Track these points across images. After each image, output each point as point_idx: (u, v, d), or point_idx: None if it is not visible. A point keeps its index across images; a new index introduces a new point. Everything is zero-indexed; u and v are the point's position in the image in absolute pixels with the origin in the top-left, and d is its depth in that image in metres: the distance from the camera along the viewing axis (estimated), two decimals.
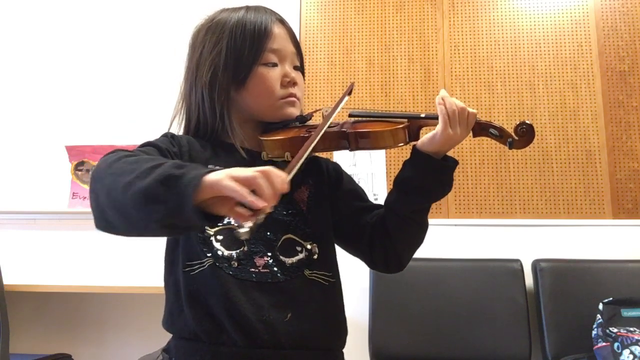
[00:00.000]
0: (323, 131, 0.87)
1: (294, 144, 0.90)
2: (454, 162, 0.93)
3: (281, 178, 0.67)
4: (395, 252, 0.97)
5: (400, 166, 0.95)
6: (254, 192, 0.64)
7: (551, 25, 2.70)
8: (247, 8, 0.97)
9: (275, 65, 0.95)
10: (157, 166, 0.70)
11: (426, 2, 2.79)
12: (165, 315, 0.91)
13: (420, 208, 0.95)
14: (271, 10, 0.99)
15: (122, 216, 0.71)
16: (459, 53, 2.72)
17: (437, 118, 0.89)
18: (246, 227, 0.64)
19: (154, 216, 0.68)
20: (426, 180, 0.91)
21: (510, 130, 0.91)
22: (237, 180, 0.64)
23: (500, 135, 0.91)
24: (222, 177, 0.65)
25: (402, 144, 0.92)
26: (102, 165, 0.76)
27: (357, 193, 1.05)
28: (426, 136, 0.90)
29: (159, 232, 0.73)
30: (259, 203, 0.63)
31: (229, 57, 0.93)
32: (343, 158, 2.43)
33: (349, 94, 0.94)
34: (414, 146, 0.92)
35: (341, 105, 0.95)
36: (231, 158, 0.94)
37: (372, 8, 2.81)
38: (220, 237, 0.88)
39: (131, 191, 0.68)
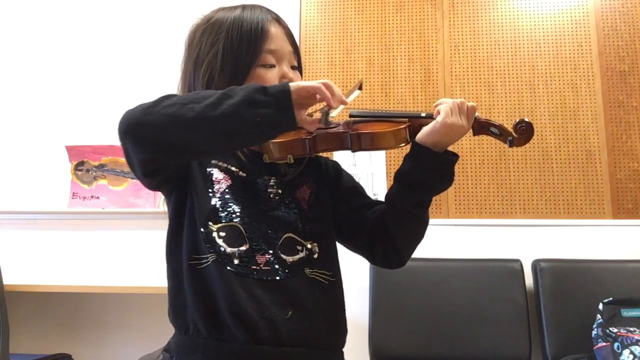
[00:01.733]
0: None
1: (295, 146, 0.90)
2: (455, 156, 0.93)
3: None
4: (396, 247, 0.97)
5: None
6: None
7: (551, 25, 2.70)
8: (244, 7, 0.97)
9: (272, 66, 0.94)
10: (232, 89, 0.79)
11: (426, 2, 2.79)
12: (169, 308, 0.91)
13: (421, 202, 0.95)
14: (267, 9, 0.98)
15: (206, 133, 0.78)
16: (459, 53, 2.72)
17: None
18: (332, 112, 0.82)
19: (257, 119, 0.76)
20: (426, 174, 0.92)
21: (510, 128, 0.92)
22: (318, 82, 0.79)
23: (500, 133, 0.93)
24: (303, 82, 0.80)
25: (403, 144, 0.92)
26: (139, 109, 0.80)
27: (357, 190, 1.05)
28: (425, 128, 0.91)
29: (250, 140, 0.83)
30: (333, 99, 0.79)
31: (226, 60, 0.92)
32: (343, 158, 2.43)
33: (360, 88, 0.95)
34: (414, 140, 0.93)
35: (353, 97, 0.95)
36: (232, 159, 0.95)
37: (372, 8, 2.81)
38: (222, 234, 0.88)
39: (224, 107, 0.76)
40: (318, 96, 0.78)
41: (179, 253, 0.90)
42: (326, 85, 0.78)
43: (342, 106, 0.83)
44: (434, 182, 0.93)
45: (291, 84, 0.78)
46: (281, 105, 0.76)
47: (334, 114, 0.84)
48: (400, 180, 0.94)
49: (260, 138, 0.83)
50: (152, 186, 0.92)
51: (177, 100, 0.79)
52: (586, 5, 2.70)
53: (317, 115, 0.83)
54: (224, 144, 0.81)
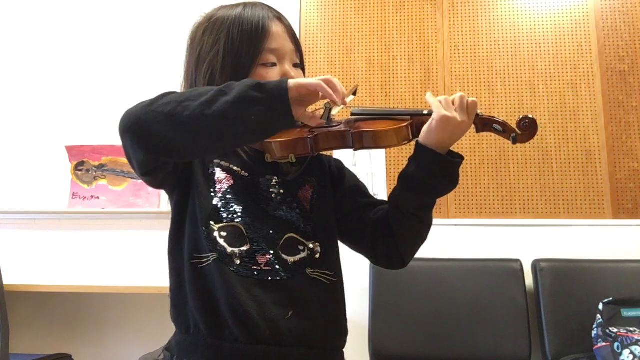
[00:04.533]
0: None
1: (297, 145, 0.90)
2: (459, 158, 0.92)
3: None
4: (398, 249, 0.96)
5: (401, 165, 0.95)
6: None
7: (551, 25, 2.70)
8: (245, 5, 0.96)
9: (274, 65, 0.93)
10: (228, 85, 0.78)
11: (426, 2, 2.79)
12: (171, 307, 0.91)
13: (425, 204, 0.95)
14: (268, 7, 0.97)
15: (201, 132, 0.77)
16: (459, 53, 2.72)
17: None
18: (335, 110, 0.81)
19: (252, 117, 0.75)
20: (430, 176, 0.90)
21: (513, 125, 0.91)
22: (318, 78, 0.77)
23: (504, 130, 0.91)
24: (304, 79, 0.78)
25: (406, 142, 0.91)
26: (138, 107, 0.79)
27: (360, 190, 1.05)
28: (425, 126, 0.89)
29: (246, 138, 0.82)
30: (334, 95, 0.77)
31: (227, 59, 0.92)
32: (343, 158, 2.42)
33: (354, 94, 0.94)
34: (417, 141, 0.91)
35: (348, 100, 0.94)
36: (235, 159, 0.94)
37: (372, 8, 2.81)
38: (224, 234, 0.88)
39: (218, 104, 0.75)
40: (320, 93, 0.77)
41: (181, 252, 0.90)
42: (327, 82, 0.78)
43: (342, 105, 0.82)
44: (438, 185, 0.92)
45: (290, 81, 0.77)
46: (277, 102, 0.76)
47: (336, 111, 0.84)
48: (404, 182, 0.93)
49: (256, 137, 0.82)
50: (154, 185, 0.92)
51: (174, 97, 0.78)
52: (586, 5, 2.70)
53: (320, 111, 0.82)
54: (218, 143, 0.80)
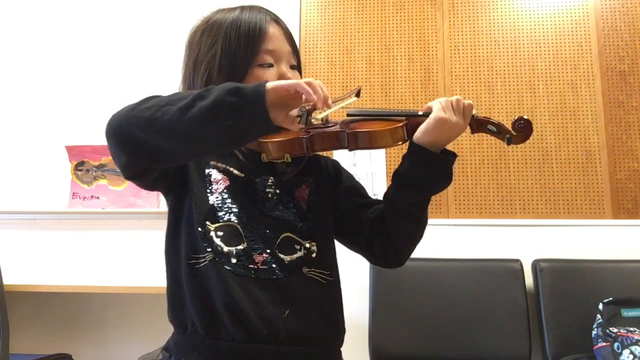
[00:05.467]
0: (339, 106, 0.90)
1: (292, 145, 0.90)
2: (453, 156, 0.93)
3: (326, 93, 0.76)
4: (394, 247, 0.97)
5: None
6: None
7: (551, 25, 2.70)
8: (242, 8, 0.97)
9: (271, 65, 0.94)
10: (208, 89, 0.75)
11: (426, 2, 2.79)
12: (168, 308, 0.92)
13: (419, 202, 0.95)
14: (266, 10, 0.98)
15: (178, 138, 0.76)
16: (459, 53, 2.72)
17: None
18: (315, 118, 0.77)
19: (228, 123, 0.73)
20: (423, 173, 0.91)
21: (508, 126, 0.92)
22: (298, 80, 0.74)
23: (499, 131, 0.92)
24: (282, 81, 0.75)
25: (401, 143, 0.91)
26: (123, 111, 0.79)
27: (357, 189, 1.05)
28: (421, 126, 0.90)
29: (224, 144, 0.79)
30: (314, 97, 0.73)
31: (224, 60, 0.92)
32: (343, 158, 2.43)
33: (357, 96, 0.94)
34: (411, 140, 0.92)
35: (345, 102, 0.94)
36: (231, 159, 0.95)
37: (372, 8, 2.81)
38: (220, 233, 0.89)
39: (195, 110, 0.73)
40: (303, 96, 0.74)
41: (178, 252, 0.90)
42: (308, 84, 0.75)
43: (329, 110, 0.79)
44: (432, 182, 0.93)
45: (268, 84, 0.74)
46: (253, 107, 0.73)
47: (320, 115, 0.81)
48: (398, 180, 0.94)
49: (233, 143, 0.81)
50: (146, 187, 0.92)
51: (155, 102, 0.78)
52: (586, 5, 2.70)
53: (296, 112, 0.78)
54: (196, 149, 0.79)
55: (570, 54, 2.67)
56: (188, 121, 0.73)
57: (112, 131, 0.79)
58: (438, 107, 0.88)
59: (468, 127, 0.92)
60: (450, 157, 0.92)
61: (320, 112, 0.80)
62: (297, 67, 0.99)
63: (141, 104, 0.78)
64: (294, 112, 0.75)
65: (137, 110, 0.77)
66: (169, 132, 0.75)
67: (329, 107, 0.77)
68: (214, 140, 0.76)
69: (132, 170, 0.83)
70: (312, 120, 0.77)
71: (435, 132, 0.88)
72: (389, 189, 0.96)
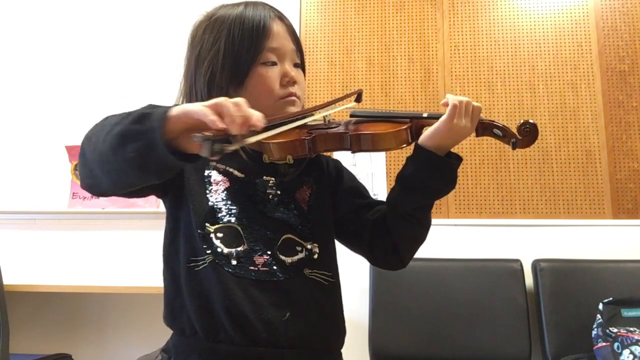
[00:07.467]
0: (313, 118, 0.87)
1: (294, 146, 0.89)
2: (458, 159, 0.92)
3: (254, 114, 0.65)
4: (397, 250, 0.96)
5: (401, 166, 0.95)
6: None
7: (551, 25, 2.70)
8: (246, 4, 0.95)
9: (274, 64, 0.92)
10: (135, 111, 0.71)
11: (426, 2, 2.79)
12: (165, 311, 0.90)
13: (423, 205, 0.94)
14: (270, 6, 0.96)
15: (103, 166, 0.73)
16: (459, 53, 2.72)
17: (439, 117, 0.88)
18: (216, 147, 0.62)
19: (129, 155, 0.68)
20: (428, 177, 0.90)
21: (514, 130, 0.90)
22: (203, 105, 0.65)
23: (504, 135, 0.90)
24: (189, 105, 0.67)
25: (404, 145, 0.90)
26: (93, 126, 0.79)
27: (358, 190, 1.04)
28: (429, 130, 0.89)
29: (137, 176, 0.72)
30: (220, 124, 0.63)
31: (227, 57, 0.91)
32: (343, 158, 2.42)
33: (358, 101, 0.92)
34: (416, 142, 0.91)
35: (341, 108, 0.94)
36: (232, 160, 0.93)
37: (372, 8, 2.81)
38: (220, 235, 0.87)
39: (110, 136, 0.70)
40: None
41: (177, 256, 0.89)
42: (216, 106, 0.65)
43: (263, 134, 0.69)
44: (437, 186, 0.92)
45: (174, 109, 0.67)
46: (151, 136, 0.67)
47: (253, 139, 0.68)
48: (402, 183, 0.93)
49: (141, 176, 0.73)
50: (139, 196, 0.89)
51: (99, 124, 0.77)
52: (586, 5, 2.70)
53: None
54: (111, 179, 0.74)
55: (570, 54, 2.67)
56: (102, 149, 0.72)
57: (80, 148, 0.80)
58: (452, 114, 0.86)
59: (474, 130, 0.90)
60: (455, 161, 0.91)
61: (247, 139, 0.67)
62: (301, 66, 0.98)
63: (94, 126, 0.78)
64: (197, 137, 0.63)
65: (88, 132, 0.78)
66: (89, 160, 0.76)
67: (248, 131, 0.65)
68: (121, 172, 0.71)
69: (105, 195, 0.83)
70: (231, 148, 0.63)
71: (444, 138, 0.87)
72: (393, 191, 0.95)
